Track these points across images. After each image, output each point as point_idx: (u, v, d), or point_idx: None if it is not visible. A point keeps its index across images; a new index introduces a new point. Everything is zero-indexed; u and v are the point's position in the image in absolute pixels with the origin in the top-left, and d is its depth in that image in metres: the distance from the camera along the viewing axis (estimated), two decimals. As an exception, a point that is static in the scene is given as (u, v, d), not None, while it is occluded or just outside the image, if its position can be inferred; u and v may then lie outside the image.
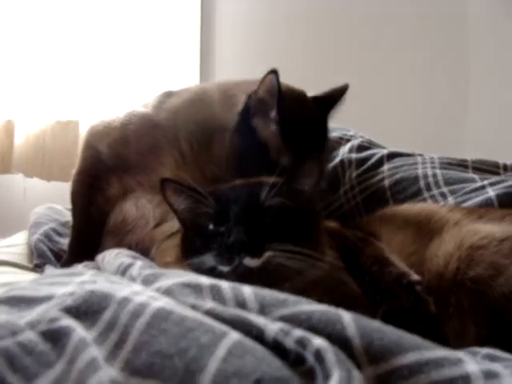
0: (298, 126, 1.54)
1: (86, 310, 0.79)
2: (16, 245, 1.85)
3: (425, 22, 3.57)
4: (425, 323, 1.12)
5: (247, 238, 1.07)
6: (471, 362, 0.68)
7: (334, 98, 1.68)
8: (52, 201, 2.23)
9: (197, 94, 1.70)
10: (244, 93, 1.59)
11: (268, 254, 1.07)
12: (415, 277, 1.17)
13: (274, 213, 1.13)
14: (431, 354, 0.68)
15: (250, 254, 1.06)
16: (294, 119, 1.53)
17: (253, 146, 1.53)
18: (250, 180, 1.28)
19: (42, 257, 1.72)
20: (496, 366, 0.71)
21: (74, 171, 1.72)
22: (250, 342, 0.68)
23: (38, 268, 1.65)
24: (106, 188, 1.65)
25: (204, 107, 1.64)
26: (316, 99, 1.67)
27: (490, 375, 0.67)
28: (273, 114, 1.51)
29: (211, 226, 1.14)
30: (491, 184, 1.69)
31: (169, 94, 1.73)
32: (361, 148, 2.08)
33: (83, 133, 2.26)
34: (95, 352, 0.70)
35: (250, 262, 1.06)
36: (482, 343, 1.04)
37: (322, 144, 1.65)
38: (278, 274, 1.08)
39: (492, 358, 0.88)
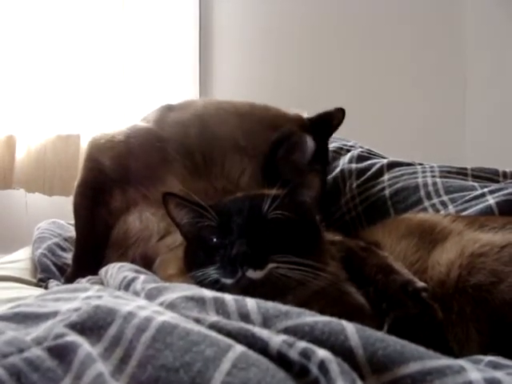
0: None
1: (92, 325, 0.79)
2: (19, 260, 1.85)
3: (422, 32, 3.58)
4: (430, 331, 1.13)
5: (250, 250, 1.07)
6: (474, 370, 0.68)
7: (330, 125, 1.75)
8: (54, 216, 2.22)
9: (207, 109, 1.73)
10: (258, 123, 1.71)
11: (271, 265, 1.07)
12: (421, 284, 1.17)
13: (276, 225, 1.13)
14: (434, 363, 0.68)
15: (252, 266, 1.06)
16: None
17: (292, 173, 1.61)
18: (252, 192, 1.29)
19: (45, 271, 1.72)
20: (499, 374, 0.71)
21: (75, 183, 1.72)
22: (254, 355, 0.68)
23: (41, 282, 1.66)
24: (109, 201, 1.65)
25: (218, 126, 1.69)
26: (313, 124, 1.73)
27: (493, 383, 0.67)
28: (302, 166, 1.64)
29: (214, 239, 1.15)
30: (491, 192, 1.69)
31: (169, 108, 1.75)
32: (361, 158, 2.09)
33: (84, 147, 2.27)
34: (101, 367, 0.70)
35: (253, 274, 1.06)
36: (485, 350, 1.05)
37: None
38: (281, 285, 1.08)
39: (495, 366, 0.88)
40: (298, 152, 1.59)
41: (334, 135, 1.87)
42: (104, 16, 3.47)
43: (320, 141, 1.74)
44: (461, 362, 0.71)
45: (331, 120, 1.77)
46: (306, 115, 1.78)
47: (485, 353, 1.01)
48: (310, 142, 1.55)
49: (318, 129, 1.74)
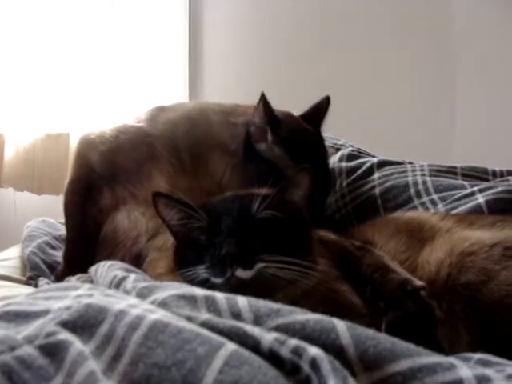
0: (300, 142, 1.64)
1: (83, 323, 0.79)
2: (9, 259, 1.84)
3: (411, 32, 3.58)
4: (429, 329, 1.13)
5: (239, 249, 1.08)
6: (464, 367, 0.69)
7: (320, 112, 1.75)
8: (43, 214, 2.22)
9: (195, 110, 1.76)
10: (242, 116, 1.70)
11: (259, 265, 1.08)
12: (418, 282, 1.17)
13: (266, 224, 1.14)
14: (424, 361, 0.69)
15: (241, 265, 1.07)
16: (294, 138, 1.63)
17: (264, 170, 1.60)
18: (242, 192, 1.29)
19: (35, 269, 1.71)
20: (488, 371, 0.72)
21: (66, 181, 1.72)
22: (246, 353, 0.68)
23: (31, 281, 1.65)
24: (98, 199, 1.65)
25: (204, 124, 1.71)
26: (305, 117, 1.74)
27: (482, 380, 0.68)
28: (269, 137, 1.61)
29: (203, 239, 1.15)
30: (480, 190, 1.70)
31: (161, 109, 1.77)
32: (351, 157, 2.09)
33: (74, 145, 2.26)
34: (93, 365, 0.70)
35: (242, 273, 1.07)
36: (475, 348, 1.05)
37: (325, 152, 1.76)
38: (271, 284, 1.09)
39: (485, 364, 0.89)
40: (266, 124, 1.62)
41: (324, 135, 1.87)
42: (93, 15, 3.46)
43: (313, 127, 1.77)
44: (451, 359, 0.72)
45: (318, 108, 1.79)
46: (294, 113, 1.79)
47: (474, 351, 1.02)
48: (269, 107, 1.58)
49: (309, 120, 1.76)
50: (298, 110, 1.80)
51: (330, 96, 1.81)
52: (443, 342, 1.14)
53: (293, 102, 1.73)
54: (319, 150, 1.74)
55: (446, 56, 3.54)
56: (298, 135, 1.67)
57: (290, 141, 1.62)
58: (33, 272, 1.70)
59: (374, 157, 2.10)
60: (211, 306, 0.84)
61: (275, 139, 1.61)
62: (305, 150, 1.63)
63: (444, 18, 3.56)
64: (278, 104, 1.70)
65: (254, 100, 1.66)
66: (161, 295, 0.89)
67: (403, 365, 0.68)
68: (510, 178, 1.77)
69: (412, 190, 1.81)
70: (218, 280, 1.08)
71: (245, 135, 1.66)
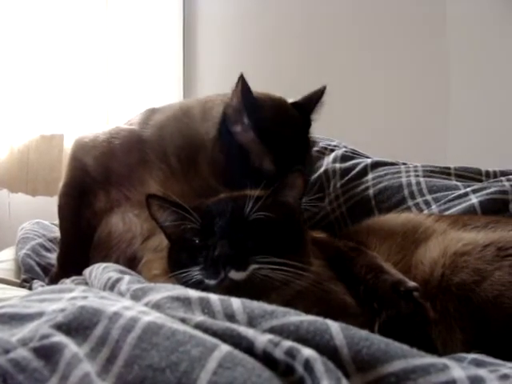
0: (279, 129, 1.56)
1: (77, 325, 0.79)
2: (3, 261, 1.84)
3: (405, 33, 3.59)
4: (422, 330, 1.13)
5: (232, 251, 1.08)
6: (457, 368, 0.69)
7: (313, 100, 1.70)
8: (37, 216, 2.21)
9: (181, 110, 1.72)
10: (221, 103, 1.62)
11: (253, 266, 1.08)
12: (412, 283, 1.18)
13: (259, 226, 1.14)
14: (418, 362, 0.69)
15: (235, 267, 1.07)
16: (273, 123, 1.56)
17: (236, 154, 1.55)
18: (235, 193, 1.29)
19: (29, 271, 1.71)
20: (482, 371, 0.72)
21: (60, 184, 1.72)
22: (240, 354, 0.69)
23: (25, 283, 1.65)
24: (93, 201, 1.65)
25: (189, 123, 1.66)
26: (296, 103, 1.69)
27: (475, 380, 0.68)
28: (245, 120, 1.54)
29: (197, 241, 1.16)
30: (474, 191, 1.71)
31: (153, 111, 1.75)
32: (345, 158, 2.10)
33: (68, 147, 2.26)
34: (88, 367, 0.71)
35: (236, 275, 1.07)
36: (469, 348, 1.06)
37: (306, 144, 1.68)
38: (264, 286, 1.09)
39: (478, 364, 0.89)
40: (242, 106, 1.56)
41: (318, 135, 1.87)
42: (87, 16, 3.44)
43: (300, 115, 1.69)
44: (444, 360, 0.72)
45: (312, 96, 1.73)
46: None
47: (468, 350, 1.03)
48: (245, 86, 1.52)
49: (301, 106, 1.70)
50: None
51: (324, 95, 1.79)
52: (437, 342, 1.15)
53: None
54: (298, 139, 1.64)
55: (439, 57, 3.54)
56: (277, 120, 1.59)
57: (266, 126, 1.55)
58: (27, 274, 1.70)
59: (367, 157, 2.11)
60: (205, 307, 0.84)
61: (250, 122, 1.54)
62: (281, 137, 1.55)
63: (440, 18, 3.56)
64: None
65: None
66: (155, 297, 0.89)
67: (396, 366, 0.68)
68: (503, 178, 1.78)
69: (406, 191, 1.82)
70: (211, 282, 1.09)
71: (221, 116, 1.59)
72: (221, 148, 1.57)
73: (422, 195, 1.78)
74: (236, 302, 0.84)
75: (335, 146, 2.21)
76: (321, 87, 1.72)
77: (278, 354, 0.69)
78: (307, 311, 0.81)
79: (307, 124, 1.70)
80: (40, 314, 0.85)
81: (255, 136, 1.53)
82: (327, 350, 0.70)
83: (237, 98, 1.55)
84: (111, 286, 1.08)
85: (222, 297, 0.86)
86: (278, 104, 1.66)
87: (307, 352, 0.67)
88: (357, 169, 2.01)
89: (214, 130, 1.59)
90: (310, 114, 1.68)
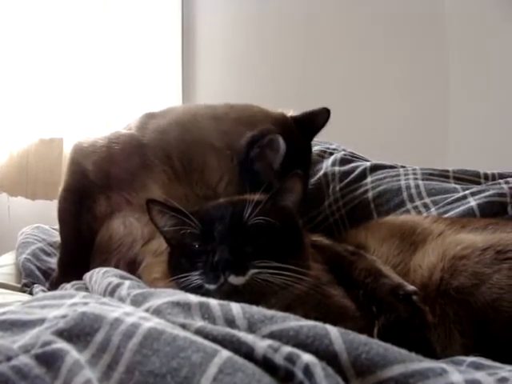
0: (291, 164, 1.59)
1: (79, 332, 0.80)
2: (4, 265, 1.84)
3: (404, 34, 3.59)
4: (420, 334, 1.14)
5: (232, 256, 1.09)
6: (455, 372, 0.69)
7: (315, 123, 1.74)
8: (37, 220, 2.21)
9: (185, 115, 1.74)
10: (235, 124, 1.67)
11: (252, 271, 1.08)
12: (411, 287, 1.18)
13: (258, 230, 1.15)
14: (416, 366, 0.69)
15: (234, 272, 1.08)
16: (287, 159, 1.60)
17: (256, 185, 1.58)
18: (234, 198, 1.30)
19: (30, 276, 1.71)
20: (480, 375, 0.73)
21: (60, 188, 1.72)
22: (240, 360, 0.69)
23: (26, 287, 1.65)
24: (93, 206, 1.65)
25: (195, 130, 1.69)
26: (298, 123, 1.72)
27: (473, 384, 0.69)
28: (276, 166, 1.59)
29: (196, 246, 1.16)
30: (472, 194, 1.71)
31: (151, 116, 1.75)
32: (344, 161, 2.10)
33: (67, 150, 2.25)
34: (89, 374, 0.71)
35: (235, 279, 1.08)
36: (468, 351, 1.07)
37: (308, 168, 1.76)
38: (263, 290, 1.09)
39: (477, 367, 0.89)
40: (270, 151, 1.59)
41: (317, 138, 1.88)
42: (87, 20, 3.44)
43: (305, 139, 1.76)
44: (443, 364, 0.72)
45: (316, 119, 1.77)
46: (291, 113, 1.78)
47: (467, 354, 1.03)
48: (281, 142, 1.55)
49: (303, 127, 1.74)
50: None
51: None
52: (437, 346, 1.15)
53: (286, 104, 1.74)
54: (303, 166, 1.72)
55: (438, 59, 3.54)
56: (290, 154, 1.62)
57: (286, 167, 1.60)
58: (27, 279, 1.70)
59: (366, 161, 2.11)
60: (205, 312, 0.84)
61: (279, 169, 1.60)
62: (292, 168, 1.60)
63: (439, 18, 3.56)
64: (271, 106, 1.71)
65: (246, 102, 1.66)
66: (155, 302, 0.90)
67: (395, 370, 0.69)
68: (501, 181, 1.78)
69: (405, 194, 1.82)
70: (211, 286, 1.09)
71: (245, 149, 1.62)
72: (241, 177, 1.63)
73: (421, 198, 1.78)
74: (236, 308, 0.84)
75: (334, 149, 2.22)
76: (325, 110, 1.76)
77: (278, 359, 0.69)
78: (307, 315, 0.81)
79: (309, 149, 1.79)
80: (41, 321, 0.86)
81: (279, 175, 1.59)
82: (327, 355, 0.71)
83: (271, 149, 1.59)
84: (112, 291, 1.08)
85: (222, 302, 0.87)
86: (285, 129, 1.69)
87: (307, 357, 0.68)
88: (356, 172, 2.01)
89: (232, 153, 1.64)
90: (311, 139, 1.73)
